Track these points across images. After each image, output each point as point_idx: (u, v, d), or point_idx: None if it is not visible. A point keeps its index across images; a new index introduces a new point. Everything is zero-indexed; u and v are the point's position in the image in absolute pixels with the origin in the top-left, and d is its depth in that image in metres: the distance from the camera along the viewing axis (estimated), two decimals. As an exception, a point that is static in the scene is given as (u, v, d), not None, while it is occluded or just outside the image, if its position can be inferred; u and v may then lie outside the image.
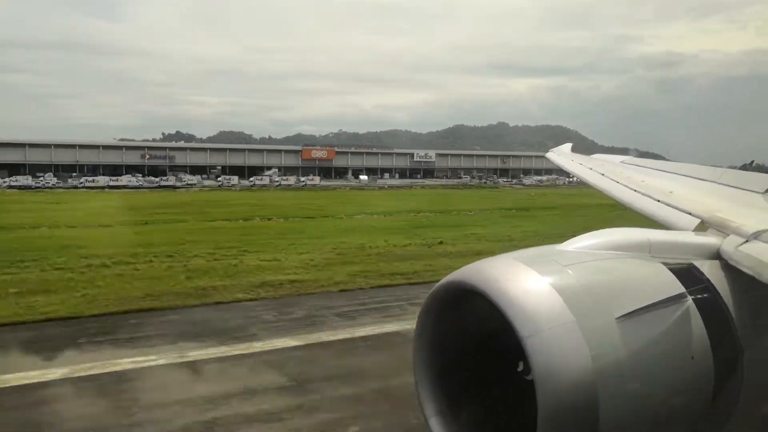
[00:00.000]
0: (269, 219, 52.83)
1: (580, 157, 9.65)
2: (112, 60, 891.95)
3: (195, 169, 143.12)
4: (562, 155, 10.32)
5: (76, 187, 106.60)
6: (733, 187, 5.30)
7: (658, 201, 5.51)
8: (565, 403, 2.66)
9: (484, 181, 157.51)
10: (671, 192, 5.57)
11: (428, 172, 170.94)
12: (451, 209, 65.00)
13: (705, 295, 3.31)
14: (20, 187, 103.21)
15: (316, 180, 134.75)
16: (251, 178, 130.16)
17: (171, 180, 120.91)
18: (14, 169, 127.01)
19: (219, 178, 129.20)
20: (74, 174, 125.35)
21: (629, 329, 2.86)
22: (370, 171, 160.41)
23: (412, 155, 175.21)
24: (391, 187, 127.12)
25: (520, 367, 3.01)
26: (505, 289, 2.84)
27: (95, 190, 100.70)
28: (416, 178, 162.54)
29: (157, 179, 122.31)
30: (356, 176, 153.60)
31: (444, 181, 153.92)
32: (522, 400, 2.96)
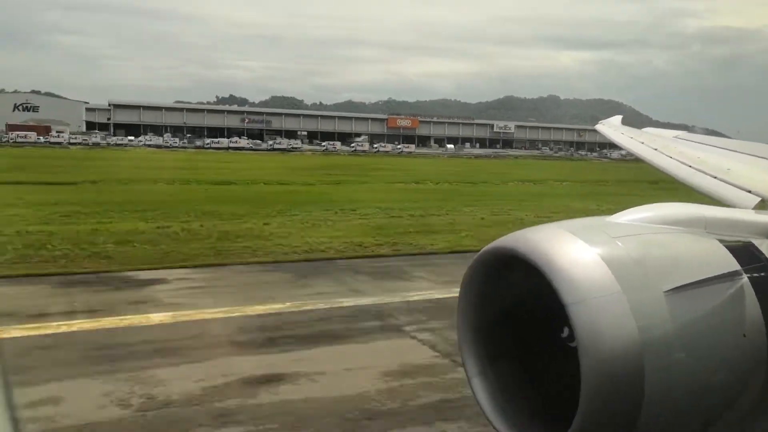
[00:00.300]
0: (437, 183, 59.12)
1: (630, 131, 9.27)
2: (161, 23, 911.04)
3: (287, 134, 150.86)
4: (612, 127, 9.98)
5: (203, 147, 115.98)
6: None
7: (715, 178, 5.35)
8: (609, 371, 2.67)
9: (569, 153, 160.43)
10: (729, 169, 5.39)
11: (507, 143, 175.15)
12: (586, 179, 70.07)
13: (762, 273, 3.20)
14: (157, 146, 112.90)
15: (411, 147, 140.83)
16: (351, 144, 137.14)
17: (283, 143, 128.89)
18: (130, 129, 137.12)
19: (323, 144, 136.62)
20: (189, 135, 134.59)
21: (678, 303, 2.84)
22: (450, 140, 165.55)
23: (492, 126, 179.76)
24: (481, 156, 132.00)
25: (565, 333, 3.04)
26: (552, 257, 2.85)
27: (221, 151, 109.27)
28: (495, 148, 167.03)
29: (271, 142, 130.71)
30: (441, 144, 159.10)
31: (525, 152, 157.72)
32: (565, 366, 3.01)
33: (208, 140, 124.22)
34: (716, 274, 2.98)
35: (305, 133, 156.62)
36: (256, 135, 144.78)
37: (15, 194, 35.80)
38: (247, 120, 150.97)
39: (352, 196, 41.71)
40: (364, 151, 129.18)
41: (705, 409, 3.00)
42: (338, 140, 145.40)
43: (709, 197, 5.09)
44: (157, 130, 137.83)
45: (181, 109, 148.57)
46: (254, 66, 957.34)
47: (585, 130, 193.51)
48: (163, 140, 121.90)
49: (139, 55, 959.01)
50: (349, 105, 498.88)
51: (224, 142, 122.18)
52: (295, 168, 73.24)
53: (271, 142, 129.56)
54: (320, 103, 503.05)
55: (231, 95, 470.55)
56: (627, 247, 2.97)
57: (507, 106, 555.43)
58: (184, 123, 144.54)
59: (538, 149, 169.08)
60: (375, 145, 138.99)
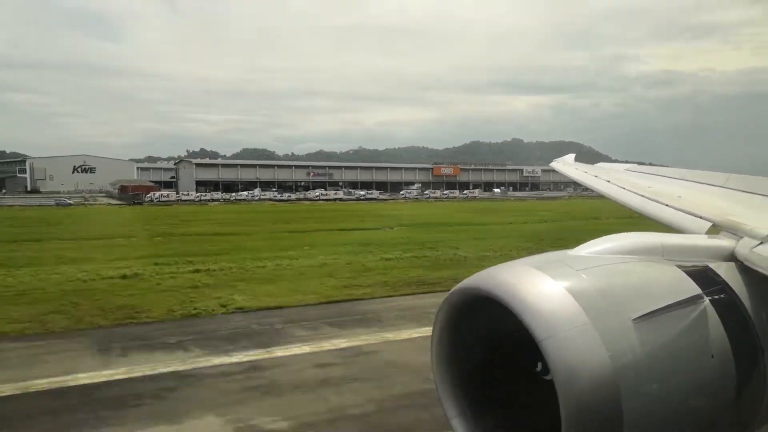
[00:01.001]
0: (607, 219, 74.74)
1: (584, 166, 9.64)
2: (113, 79, 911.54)
3: (346, 184, 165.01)
4: (566, 165, 10.38)
5: (313, 199, 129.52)
6: (741, 191, 5.33)
7: (667, 206, 5.51)
8: (587, 402, 2.74)
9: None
10: (679, 197, 5.57)
11: (534, 186, 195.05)
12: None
13: (722, 296, 3.34)
14: (276, 200, 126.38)
15: (476, 192, 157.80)
16: (425, 192, 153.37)
17: (374, 193, 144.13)
18: (208, 185, 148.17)
19: (401, 192, 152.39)
20: (274, 188, 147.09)
21: (646, 330, 2.93)
22: (487, 185, 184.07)
23: (521, 171, 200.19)
24: (543, 197, 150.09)
25: (539, 368, 3.08)
26: (521, 294, 2.94)
27: (330, 202, 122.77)
28: (524, 190, 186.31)
29: (363, 193, 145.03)
30: (484, 189, 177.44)
31: (553, 193, 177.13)
32: (542, 400, 3.08)
33: (317, 192, 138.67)
34: (679, 299, 3.09)
35: (342, 183, 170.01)
36: (320, 186, 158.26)
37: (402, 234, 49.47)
38: (312, 174, 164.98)
39: (610, 229, 56.57)
40: (436, 198, 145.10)
41: (683, 431, 3.07)
42: (391, 189, 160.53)
43: (663, 224, 5.24)
44: (232, 186, 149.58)
45: (254, 166, 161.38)
46: (213, 119, 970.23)
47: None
48: (272, 194, 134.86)
49: (92, 111, 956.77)
50: (321, 155, 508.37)
51: (331, 194, 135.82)
52: (460, 211, 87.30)
53: (363, 193, 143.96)
54: (292, 153, 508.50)
55: (202, 149, 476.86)
56: (592, 280, 3.08)
57: (474, 150, 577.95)
58: (257, 178, 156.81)
59: (561, 190, 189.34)
60: (445, 192, 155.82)
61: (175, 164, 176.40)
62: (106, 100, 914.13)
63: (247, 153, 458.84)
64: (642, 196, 6.22)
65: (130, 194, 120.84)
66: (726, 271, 3.53)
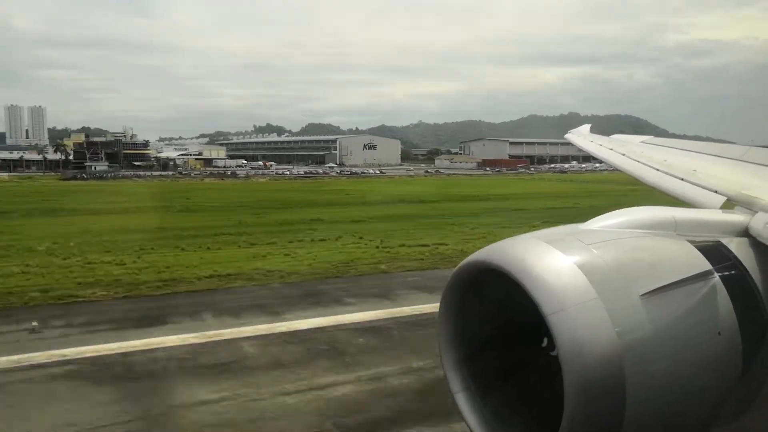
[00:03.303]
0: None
1: (599, 138, 9.59)
2: (148, 56, 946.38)
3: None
4: (581, 136, 10.24)
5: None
6: (759, 164, 5.15)
7: (682, 180, 5.43)
8: (592, 378, 2.74)
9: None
10: (695, 170, 5.45)
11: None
12: None
13: (732, 272, 3.31)
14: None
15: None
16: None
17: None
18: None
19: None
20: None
21: (654, 306, 2.92)
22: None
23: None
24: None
25: (545, 343, 3.12)
26: (529, 268, 2.93)
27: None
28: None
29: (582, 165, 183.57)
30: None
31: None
32: (548, 376, 3.10)
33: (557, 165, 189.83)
34: (689, 275, 3.08)
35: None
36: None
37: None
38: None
39: None
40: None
41: (687, 408, 3.09)
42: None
43: (677, 199, 5.19)
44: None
45: (532, 143, 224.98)
46: (245, 94, 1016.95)
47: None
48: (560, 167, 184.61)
49: (126, 87, 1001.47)
50: (383, 129, 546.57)
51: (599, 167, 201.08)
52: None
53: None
54: (356, 128, 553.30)
55: (268, 124, 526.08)
56: (601, 254, 3.07)
57: (531, 124, 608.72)
58: (536, 153, 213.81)
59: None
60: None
61: (461, 143, 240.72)
62: (141, 75, 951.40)
63: (313, 128, 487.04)
64: (656, 169, 6.15)
65: (502, 166, 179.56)
66: (738, 247, 3.51)
